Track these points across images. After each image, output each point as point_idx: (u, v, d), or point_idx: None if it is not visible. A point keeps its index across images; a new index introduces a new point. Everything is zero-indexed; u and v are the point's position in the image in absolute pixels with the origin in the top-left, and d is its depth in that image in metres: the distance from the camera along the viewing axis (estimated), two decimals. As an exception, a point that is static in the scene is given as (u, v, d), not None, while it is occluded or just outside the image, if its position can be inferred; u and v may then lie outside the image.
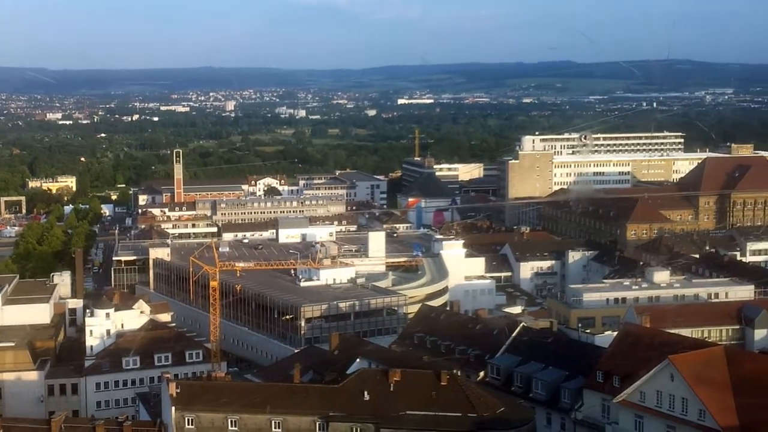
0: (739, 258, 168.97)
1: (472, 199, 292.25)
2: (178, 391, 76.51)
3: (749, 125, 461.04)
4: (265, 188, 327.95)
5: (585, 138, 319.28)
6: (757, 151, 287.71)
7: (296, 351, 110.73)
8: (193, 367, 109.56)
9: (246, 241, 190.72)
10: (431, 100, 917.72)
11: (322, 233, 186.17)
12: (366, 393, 75.30)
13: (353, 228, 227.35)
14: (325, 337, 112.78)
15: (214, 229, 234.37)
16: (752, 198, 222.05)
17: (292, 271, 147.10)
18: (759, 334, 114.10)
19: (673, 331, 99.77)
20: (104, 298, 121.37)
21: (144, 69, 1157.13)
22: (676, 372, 74.53)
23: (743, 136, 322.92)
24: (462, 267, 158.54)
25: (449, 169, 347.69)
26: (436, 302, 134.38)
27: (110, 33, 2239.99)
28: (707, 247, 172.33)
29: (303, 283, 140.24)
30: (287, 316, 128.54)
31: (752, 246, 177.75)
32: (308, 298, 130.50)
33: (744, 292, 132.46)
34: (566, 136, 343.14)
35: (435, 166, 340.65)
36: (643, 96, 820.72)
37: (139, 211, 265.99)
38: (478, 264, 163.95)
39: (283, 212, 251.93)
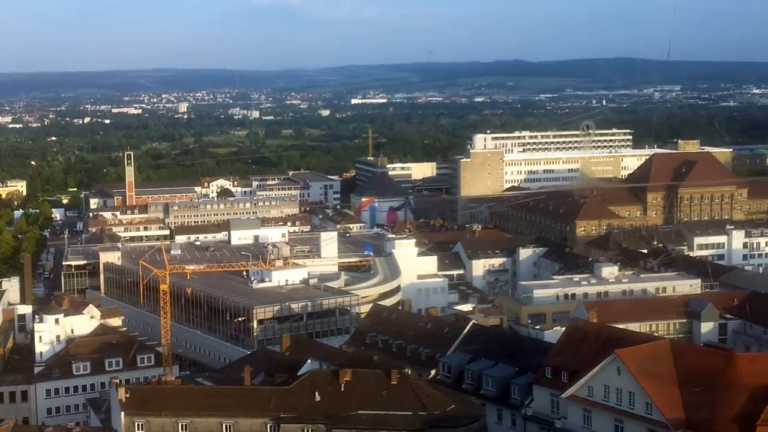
0: (686, 252, 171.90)
1: (426, 198, 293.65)
2: (128, 396, 76.13)
3: (696, 122, 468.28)
4: (218, 190, 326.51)
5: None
6: (703, 147, 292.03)
7: (248, 353, 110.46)
8: (145, 371, 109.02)
9: (198, 243, 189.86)
10: (385, 100, 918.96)
11: (274, 234, 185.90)
12: (317, 394, 75.50)
13: (307, 229, 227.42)
14: (278, 338, 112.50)
15: (167, 232, 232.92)
16: (699, 193, 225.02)
17: (245, 273, 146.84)
18: (705, 327, 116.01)
19: (621, 325, 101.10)
20: (53, 304, 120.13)
21: (95, 71, 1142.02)
22: (623, 366, 75.64)
23: (690, 133, 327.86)
24: (414, 266, 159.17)
25: (402, 168, 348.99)
26: (388, 301, 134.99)
27: (61, 35, 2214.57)
28: (655, 242, 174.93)
29: (255, 285, 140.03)
30: (239, 318, 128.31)
31: (699, 240, 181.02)
32: (260, 300, 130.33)
33: (691, 286, 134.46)
34: (517, 134, 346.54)
35: (388, 166, 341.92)
36: (593, 94, 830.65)
37: (90, 214, 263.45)
38: (431, 262, 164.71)
39: (236, 214, 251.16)
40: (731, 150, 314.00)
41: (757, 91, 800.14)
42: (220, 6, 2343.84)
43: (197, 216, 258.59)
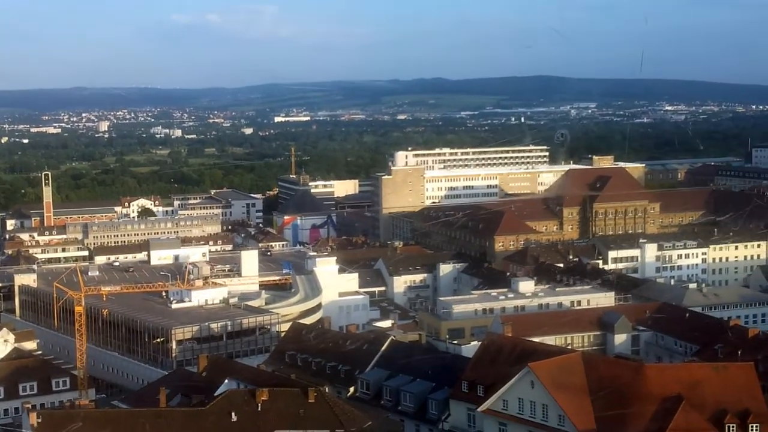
0: (601, 266, 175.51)
1: (348, 216, 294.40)
2: (39, 421, 74.70)
3: (611, 138, 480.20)
4: (139, 210, 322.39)
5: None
6: (616, 163, 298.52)
7: (165, 374, 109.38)
8: (60, 395, 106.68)
9: (117, 264, 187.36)
10: (308, 118, 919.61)
11: (195, 254, 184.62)
12: (234, 414, 75.28)
13: (229, 247, 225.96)
14: (197, 359, 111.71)
15: (86, 253, 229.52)
16: (613, 208, 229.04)
17: (164, 294, 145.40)
18: (618, 339, 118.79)
19: (537, 339, 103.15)
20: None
21: (12, 90, 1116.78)
22: (536, 379, 77.15)
23: (606, 149, 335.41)
24: (336, 283, 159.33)
25: (325, 185, 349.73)
26: (309, 319, 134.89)
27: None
28: (571, 256, 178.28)
29: (174, 305, 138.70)
30: (158, 339, 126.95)
31: (613, 254, 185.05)
32: (179, 320, 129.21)
33: (605, 299, 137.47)
34: (438, 151, 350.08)
35: (310, 183, 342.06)
36: (511, 111, 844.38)
37: (7, 236, 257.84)
38: (352, 280, 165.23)
39: (157, 233, 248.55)
40: (644, 165, 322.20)
41: (669, 108, 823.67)
42: (140, 24, 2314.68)
43: (117, 236, 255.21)
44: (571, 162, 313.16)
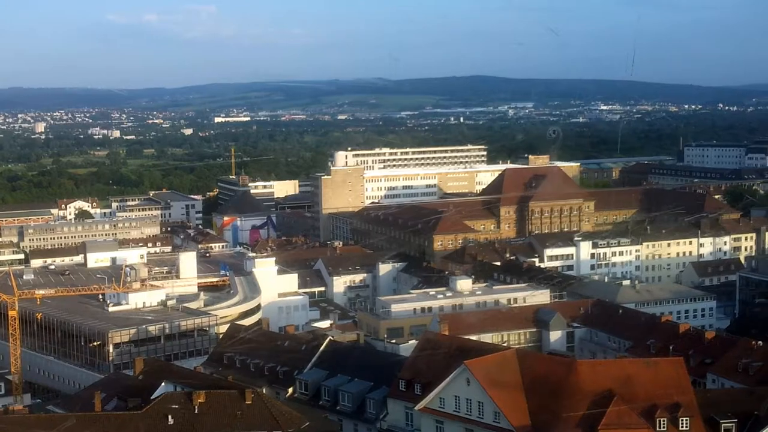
0: (537, 264, 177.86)
1: (288, 216, 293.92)
2: (-29, 427, 73.85)
3: (548, 137, 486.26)
4: (76, 212, 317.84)
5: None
6: (552, 162, 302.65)
7: (101, 378, 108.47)
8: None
9: (53, 267, 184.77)
10: (248, 118, 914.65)
11: (132, 256, 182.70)
12: (170, 417, 74.93)
13: (168, 249, 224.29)
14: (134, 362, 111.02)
15: (21, 256, 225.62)
16: (548, 206, 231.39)
17: (101, 297, 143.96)
18: (554, 335, 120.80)
19: (474, 337, 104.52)
20: None
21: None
22: (472, 376, 77.84)
23: (543, 148, 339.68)
24: (275, 284, 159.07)
25: (265, 186, 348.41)
26: (249, 320, 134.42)
27: None
28: (508, 255, 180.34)
29: (111, 308, 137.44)
30: (94, 343, 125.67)
31: (549, 252, 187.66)
32: (116, 323, 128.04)
33: (541, 296, 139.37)
34: (377, 151, 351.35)
35: (250, 184, 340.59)
36: (451, 111, 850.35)
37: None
38: (292, 280, 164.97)
39: (95, 236, 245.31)
40: (579, 164, 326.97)
41: (604, 108, 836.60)
42: (76, 24, 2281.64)
43: (54, 239, 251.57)
44: (508, 161, 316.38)
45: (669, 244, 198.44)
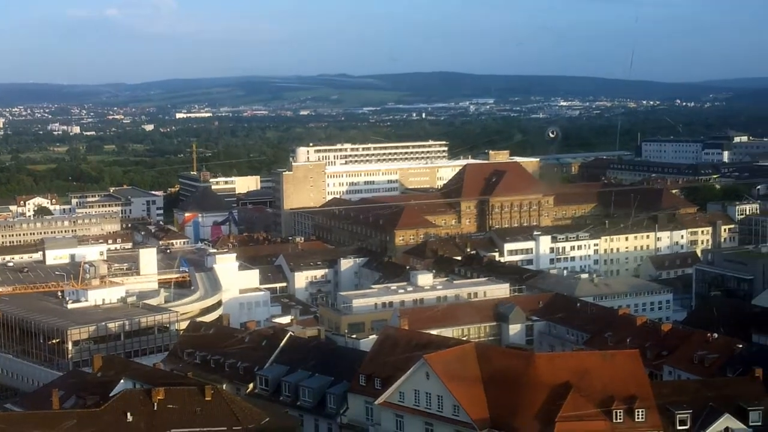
0: (497, 258, 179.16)
1: (250, 212, 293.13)
2: (-73, 426, 73.14)
3: (508, 132, 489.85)
4: (36, 208, 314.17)
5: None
6: (512, 157, 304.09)
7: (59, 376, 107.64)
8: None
9: (11, 264, 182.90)
10: (210, 114, 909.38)
11: (91, 253, 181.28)
12: (129, 414, 74.61)
13: (128, 246, 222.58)
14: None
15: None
16: (508, 201, 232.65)
17: (59, 294, 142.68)
18: (513, 329, 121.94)
19: (435, 331, 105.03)
20: None
21: None
22: (431, 370, 78.27)
23: (504, 144, 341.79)
24: (236, 280, 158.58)
25: (226, 182, 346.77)
26: (210, 317, 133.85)
27: None
28: (468, 249, 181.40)
29: (70, 305, 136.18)
30: (53, 340, 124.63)
31: (509, 246, 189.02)
32: (75, 321, 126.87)
33: (501, 290, 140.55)
34: (339, 146, 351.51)
35: (211, 180, 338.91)
36: (413, 107, 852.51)
37: None
38: (253, 276, 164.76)
39: (54, 233, 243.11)
40: (539, 159, 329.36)
41: (564, 104, 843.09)
42: (34, 18, 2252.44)
43: (12, 236, 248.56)
44: (469, 157, 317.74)
45: (627, 238, 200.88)
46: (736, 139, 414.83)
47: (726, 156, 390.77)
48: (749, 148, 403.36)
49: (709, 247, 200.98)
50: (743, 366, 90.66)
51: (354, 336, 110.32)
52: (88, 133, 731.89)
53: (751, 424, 76.75)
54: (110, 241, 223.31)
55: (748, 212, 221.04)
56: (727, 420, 76.37)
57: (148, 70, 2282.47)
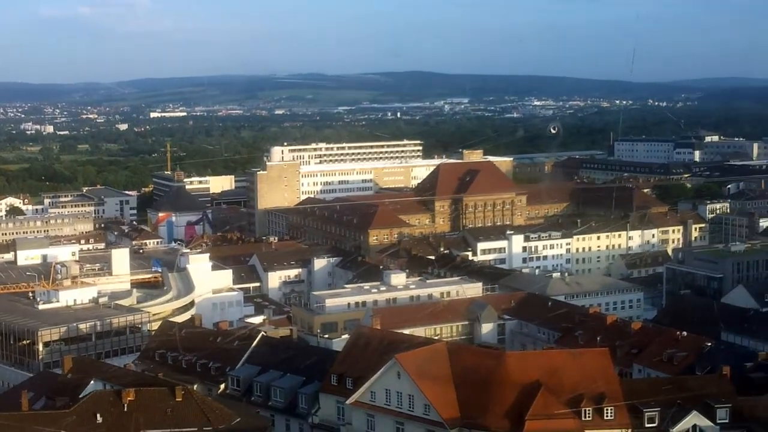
0: (470, 257, 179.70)
1: (224, 212, 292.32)
2: None
3: (483, 132, 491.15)
4: (7, 208, 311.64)
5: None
6: (486, 156, 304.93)
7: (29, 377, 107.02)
8: None
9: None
10: (184, 113, 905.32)
11: (63, 253, 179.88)
12: (99, 416, 74.21)
13: (101, 246, 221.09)
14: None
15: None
16: (482, 200, 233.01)
17: (30, 294, 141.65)
18: (485, 328, 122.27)
19: (407, 330, 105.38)
20: None
21: None
22: (402, 370, 78.55)
23: (479, 143, 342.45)
24: (209, 280, 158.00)
25: (200, 182, 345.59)
26: (182, 317, 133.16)
27: None
28: (442, 249, 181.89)
29: (41, 306, 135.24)
30: (24, 341, 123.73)
31: (482, 245, 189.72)
32: (46, 321, 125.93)
33: (473, 289, 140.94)
34: (314, 146, 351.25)
35: (185, 180, 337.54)
36: (388, 106, 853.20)
37: None
38: (226, 276, 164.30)
39: (26, 233, 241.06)
40: (512, 159, 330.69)
41: (538, 103, 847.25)
42: (10, 18, 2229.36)
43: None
44: (443, 156, 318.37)
45: (599, 237, 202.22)
46: (708, 139, 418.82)
47: (697, 155, 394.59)
48: (720, 147, 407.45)
49: (680, 246, 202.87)
50: (712, 364, 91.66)
51: (326, 336, 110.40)
52: (62, 133, 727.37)
53: (718, 421, 77.60)
54: (83, 242, 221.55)
55: (718, 211, 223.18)
56: (694, 417, 77.16)
57: (122, 69, 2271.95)
